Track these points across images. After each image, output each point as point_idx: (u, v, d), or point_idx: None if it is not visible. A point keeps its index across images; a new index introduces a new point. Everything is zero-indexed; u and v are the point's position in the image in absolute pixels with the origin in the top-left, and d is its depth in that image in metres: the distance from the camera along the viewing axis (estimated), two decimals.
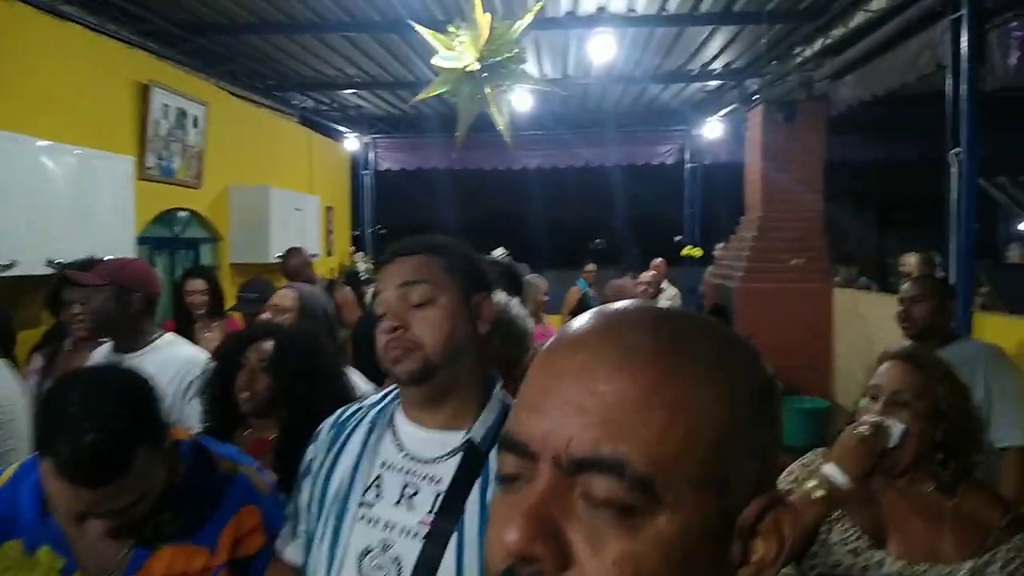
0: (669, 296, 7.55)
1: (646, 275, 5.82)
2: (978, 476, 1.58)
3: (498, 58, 3.24)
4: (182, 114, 5.19)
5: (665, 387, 0.47)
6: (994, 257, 9.39)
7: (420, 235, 1.30)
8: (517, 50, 3.31)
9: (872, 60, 4.91)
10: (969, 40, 3.74)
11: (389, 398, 1.29)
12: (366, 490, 1.19)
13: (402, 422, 1.23)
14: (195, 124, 5.35)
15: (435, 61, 3.49)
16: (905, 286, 2.78)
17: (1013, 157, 8.69)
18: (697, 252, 9.66)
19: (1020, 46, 3.49)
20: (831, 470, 1.42)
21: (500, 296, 1.84)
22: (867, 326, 5.01)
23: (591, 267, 7.62)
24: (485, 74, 3.29)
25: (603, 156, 9.75)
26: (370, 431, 1.25)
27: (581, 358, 0.49)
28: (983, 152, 3.89)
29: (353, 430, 1.27)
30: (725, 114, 7.85)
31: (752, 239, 5.92)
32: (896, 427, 1.48)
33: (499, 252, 8.24)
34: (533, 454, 0.47)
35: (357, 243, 9.90)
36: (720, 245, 7.52)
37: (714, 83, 7.30)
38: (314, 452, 1.30)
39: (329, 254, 8.31)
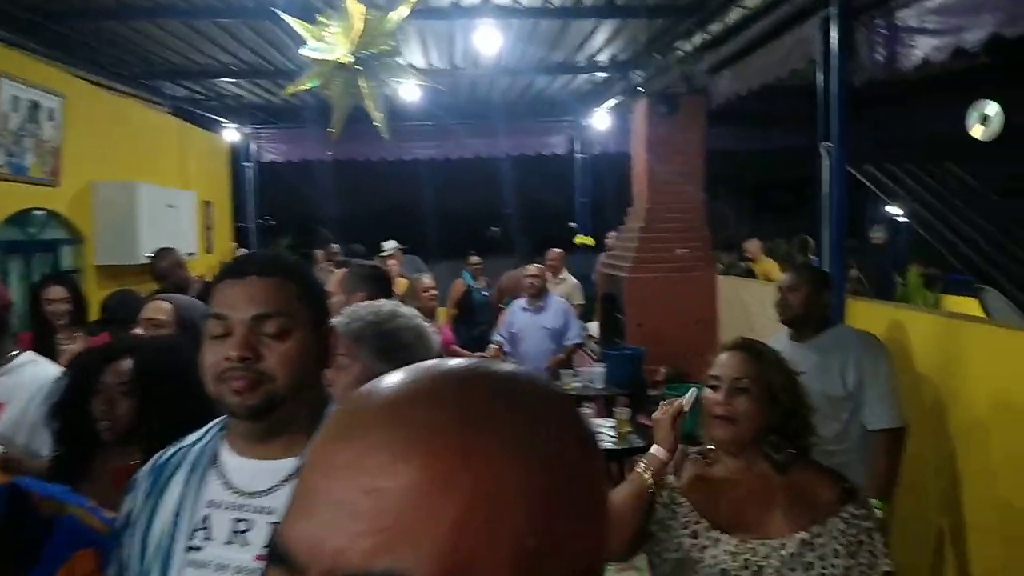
0: (568, 287, 7.59)
1: (532, 268, 5.78)
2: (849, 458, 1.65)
3: (373, 51, 3.12)
4: (35, 107, 4.75)
5: (462, 471, 0.38)
6: (860, 238, 10.02)
7: (270, 252, 1.21)
8: (393, 43, 3.20)
9: (748, 55, 5.08)
10: (838, 36, 3.91)
11: (210, 434, 1.20)
12: (193, 533, 1.10)
13: (228, 457, 1.15)
14: (51, 117, 4.92)
15: (303, 52, 3.33)
16: (783, 275, 2.88)
17: (880, 144, 9.29)
18: (589, 241, 9.81)
19: (886, 42, 3.67)
20: (654, 449, 1.69)
21: (387, 305, 1.75)
22: (748, 312, 5.20)
23: (476, 259, 7.53)
24: (359, 67, 3.16)
25: (493, 147, 9.72)
26: (191, 471, 1.15)
27: (357, 446, 0.40)
28: (852, 143, 4.08)
29: (172, 473, 1.17)
30: (612, 106, 7.98)
31: (639, 229, 6.04)
32: (689, 393, 1.71)
33: (390, 245, 8.08)
34: (300, 568, 0.39)
35: (240, 238, 9.46)
36: (612, 234, 7.63)
37: (600, 75, 7.39)
38: (131, 502, 1.19)
39: (208, 251, 7.89)
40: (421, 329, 1.73)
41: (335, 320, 1.40)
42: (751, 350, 1.68)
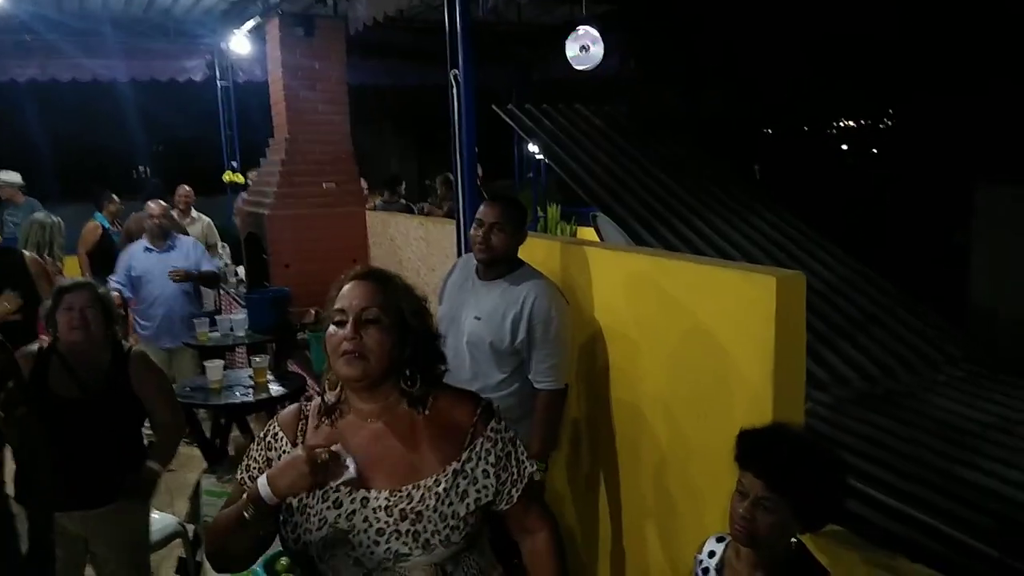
0: (201, 227, 6.92)
1: (153, 207, 5.12)
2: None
3: None
4: None
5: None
6: (517, 178, 10.60)
7: None
8: None
9: None
10: None
11: None
12: None
13: None
14: None
15: None
16: (483, 208, 2.66)
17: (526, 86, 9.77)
18: (238, 178, 9.05)
19: None
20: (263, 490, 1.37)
21: None
22: (396, 247, 5.12)
23: (112, 200, 6.65)
24: None
25: (114, 69, 8.34)
26: None
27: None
28: (480, 78, 4.08)
29: None
30: (252, 28, 7.26)
31: (281, 162, 5.60)
32: (349, 465, 1.40)
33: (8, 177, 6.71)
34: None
35: None
36: (256, 172, 7.09)
37: None
38: None
39: None
40: None
41: None
42: (377, 277, 1.50)
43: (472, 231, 2.68)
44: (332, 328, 1.44)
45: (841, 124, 19.16)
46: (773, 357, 2.04)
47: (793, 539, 1.63)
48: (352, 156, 5.90)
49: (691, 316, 2.34)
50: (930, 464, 3.57)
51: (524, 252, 2.72)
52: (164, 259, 5.12)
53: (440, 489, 1.42)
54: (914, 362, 4.67)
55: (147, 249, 5.12)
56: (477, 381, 2.62)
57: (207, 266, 5.33)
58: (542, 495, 1.64)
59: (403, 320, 1.46)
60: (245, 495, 1.40)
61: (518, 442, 1.54)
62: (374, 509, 1.42)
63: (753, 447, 1.62)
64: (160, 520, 3.37)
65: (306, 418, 1.54)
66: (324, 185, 5.62)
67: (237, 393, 3.95)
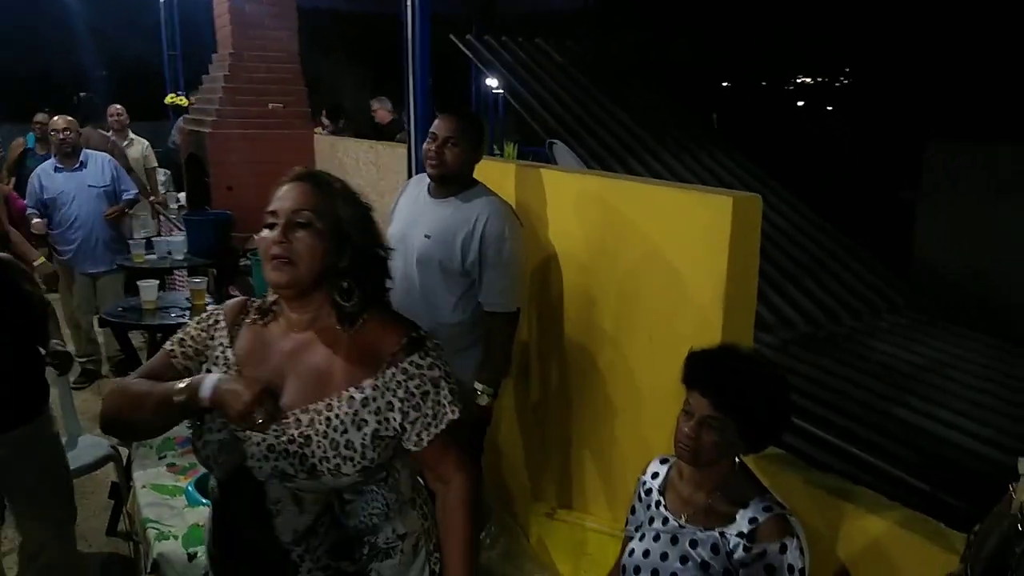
0: (139, 149, 6.61)
1: (59, 121, 4.70)
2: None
3: None
4: None
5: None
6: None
7: None
8: None
9: None
10: None
11: None
12: None
13: None
14: None
15: None
16: (437, 121, 2.51)
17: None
18: (183, 101, 8.65)
19: None
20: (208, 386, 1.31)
21: None
22: (345, 172, 4.94)
23: (41, 118, 6.22)
24: None
25: None
26: None
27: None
28: (439, 5, 3.88)
29: None
30: None
31: (224, 79, 5.32)
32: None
33: None
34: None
35: None
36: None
37: None
38: None
39: None
40: None
41: None
42: (315, 180, 1.38)
43: (425, 145, 2.55)
44: (264, 231, 1.34)
45: (799, 81, 19.28)
46: (725, 279, 2.00)
47: (736, 459, 1.62)
48: (300, 77, 5.64)
49: (645, 238, 2.28)
50: (867, 403, 3.65)
51: (478, 175, 2.61)
52: (77, 178, 4.74)
53: (332, 415, 1.32)
54: (858, 308, 4.75)
55: (57, 169, 4.73)
56: (427, 303, 2.53)
57: (126, 186, 4.94)
58: (464, 441, 1.48)
59: (340, 227, 1.34)
60: (186, 383, 1.32)
61: (444, 384, 1.39)
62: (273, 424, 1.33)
63: (700, 367, 1.60)
64: (91, 443, 3.24)
65: (247, 313, 1.46)
66: (270, 106, 5.37)
67: (172, 314, 3.79)
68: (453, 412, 1.39)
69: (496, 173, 2.84)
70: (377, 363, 1.35)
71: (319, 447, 1.31)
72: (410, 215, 2.64)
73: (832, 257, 5.14)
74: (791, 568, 1.50)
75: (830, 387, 3.76)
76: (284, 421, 1.33)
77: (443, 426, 1.38)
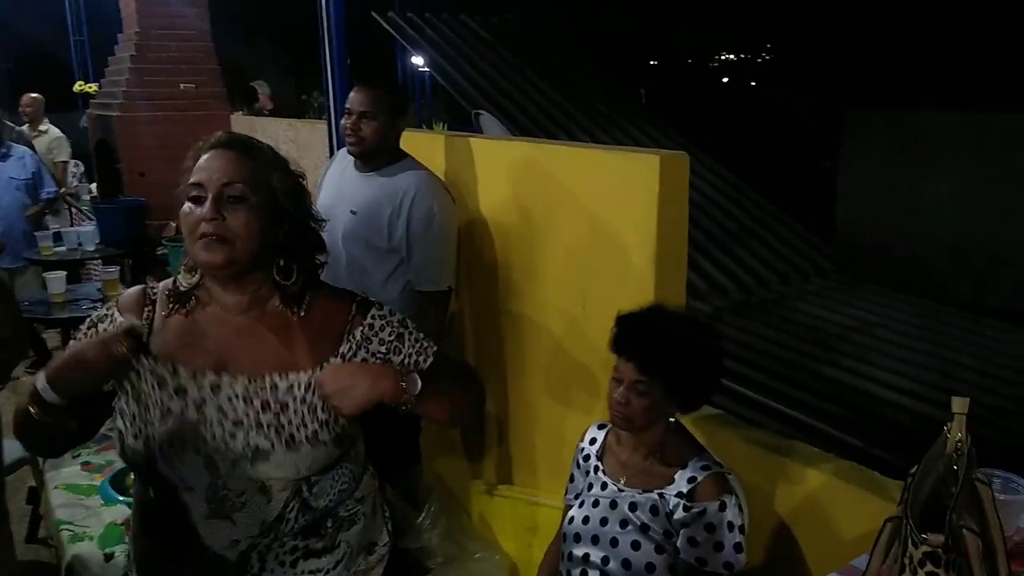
0: (49, 139, 6.28)
1: None
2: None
3: None
4: None
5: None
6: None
7: None
8: None
9: None
10: None
11: None
12: None
13: None
14: None
15: None
16: (352, 94, 2.38)
17: None
18: (92, 88, 8.21)
19: None
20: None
21: None
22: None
23: None
24: None
25: None
26: None
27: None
28: None
29: None
30: None
31: (131, 59, 5.05)
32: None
33: None
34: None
35: None
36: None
37: None
38: None
39: None
40: None
41: None
42: (243, 146, 1.24)
43: (342, 122, 2.44)
44: (188, 206, 1.20)
45: (723, 57, 19.63)
46: (656, 239, 1.96)
47: (671, 420, 1.59)
48: (213, 55, 5.40)
49: (577, 203, 2.22)
50: (800, 365, 3.72)
51: (406, 148, 2.51)
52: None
53: (316, 382, 1.24)
54: (787, 272, 4.84)
55: None
56: (356, 281, 2.43)
57: (46, 183, 4.80)
58: (457, 372, 1.44)
59: (275, 199, 1.23)
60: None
61: (412, 327, 1.35)
62: (229, 398, 1.23)
63: (625, 332, 1.58)
64: (7, 446, 3.03)
65: (153, 303, 1.30)
66: (182, 86, 5.12)
67: (83, 306, 3.58)
68: (433, 345, 1.37)
69: (425, 145, 2.74)
70: (339, 335, 1.29)
71: (296, 413, 1.23)
72: (336, 190, 2.53)
73: (760, 224, 5.22)
74: (731, 525, 1.49)
75: (764, 352, 3.81)
76: (250, 388, 1.23)
77: (431, 359, 1.35)
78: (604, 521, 1.59)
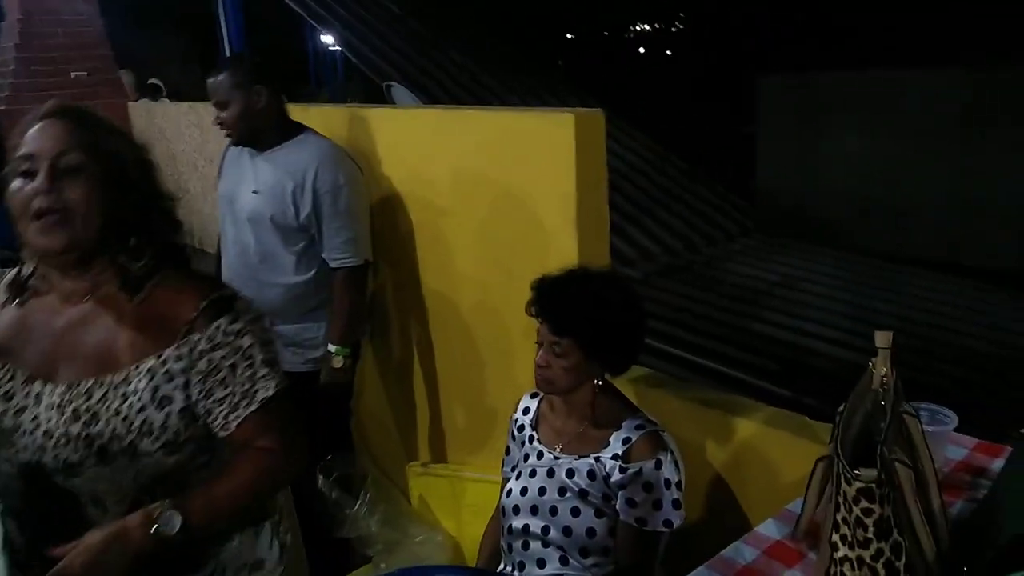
0: None
1: None
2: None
3: None
4: None
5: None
6: (310, 80, 9.91)
7: None
8: None
9: None
10: None
11: None
12: None
13: None
14: None
15: None
16: (210, 80, 2.22)
17: None
18: None
19: None
20: None
21: None
22: (167, 139, 4.52)
23: None
24: None
25: None
26: None
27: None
28: None
29: None
30: None
31: (16, 48, 4.72)
32: None
33: None
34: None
35: None
36: None
37: None
38: None
39: None
40: None
41: None
42: (77, 114, 1.09)
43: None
44: (17, 181, 1.06)
45: (638, 28, 19.79)
46: (575, 200, 1.91)
47: (598, 382, 1.55)
48: (105, 41, 5.09)
49: (493, 168, 2.15)
50: (727, 323, 3.76)
51: (309, 125, 2.37)
52: None
53: (130, 388, 1.09)
54: (712, 234, 4.90)
55: None
56: (267, 264, 2.31)
57: None
58: (287, 424, 1.19)
59: (119, 170, 1.09)
60: None
61: (258, 354, 1.14)
62: (46, 407, 1.10)
63: (541, 295, 1.53)
64: None
65: None
66: (73, 75, 4.81)
67: None
68: (268, 388, 1.14)
69: (327, 119, 2.61)
70: (172, 333, 1.11)
71: (109, 424, 1.08)
72: (236, 173, 2.39)
73: (684, 189, 5.28)
74: (667, 482, 1.46)
75: (693, 312, 3.84)
76: (64, 397, 1.10)
77: (255, 406, 1.13)
78: (542, 491, 1.54)
